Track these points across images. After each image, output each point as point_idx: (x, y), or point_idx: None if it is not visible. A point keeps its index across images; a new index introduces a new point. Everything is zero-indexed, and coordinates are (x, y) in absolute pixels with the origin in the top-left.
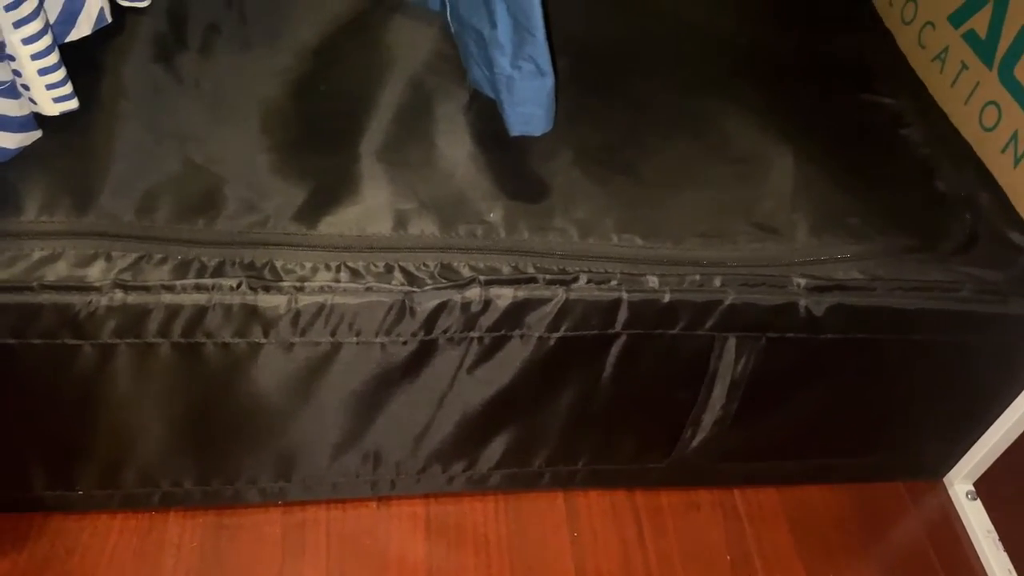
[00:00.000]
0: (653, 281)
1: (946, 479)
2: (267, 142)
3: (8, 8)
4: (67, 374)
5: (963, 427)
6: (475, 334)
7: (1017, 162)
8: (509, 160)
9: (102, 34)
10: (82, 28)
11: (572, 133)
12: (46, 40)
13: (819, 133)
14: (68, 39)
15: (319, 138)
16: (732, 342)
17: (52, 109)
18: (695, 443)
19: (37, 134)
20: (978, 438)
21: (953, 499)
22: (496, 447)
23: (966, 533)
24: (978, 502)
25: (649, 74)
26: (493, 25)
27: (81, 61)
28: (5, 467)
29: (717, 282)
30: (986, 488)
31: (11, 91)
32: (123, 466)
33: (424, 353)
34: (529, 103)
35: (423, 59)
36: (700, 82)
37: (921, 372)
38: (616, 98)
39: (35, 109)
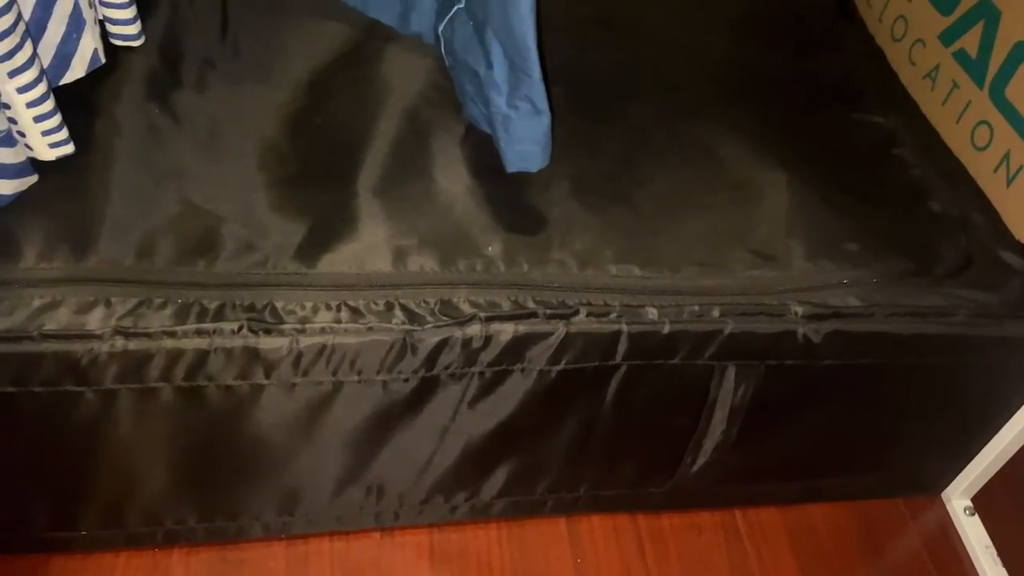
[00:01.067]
0: (652, 313)
1: (944, 495)
2: (264, 179)
3: (3, 59)
4: (69, 419)
5: (960, 444)
6: (476, 369)
7: (1010, 182)
8: (506, 193)
9: (96, 74)
10: (76, 71)
11: (568, 163)
12: (41, 88)
13: (812, 155)
14: (63, 82)
15: (316, 174)
16: (732, 370)
17: (48, 154)
18: (696, 467)
19: (33, 179)
20: (975, 454)
21: (951, 514)
22: (498, 477)
23: (964, 548)
24: (976, 517)
25: (643, 100)
26: (489, 65)
27: (76, 103)
28: (9, 509)
29: (716, 312)
30: (984, 503)
31: (7, 139)
32: (126, 506)
33: (426, 389)
34: (526, 141)
35: (418, 91)
36: (693, 107)
37: (918, 393)
38: (611, 126)
39: (31, 155)
